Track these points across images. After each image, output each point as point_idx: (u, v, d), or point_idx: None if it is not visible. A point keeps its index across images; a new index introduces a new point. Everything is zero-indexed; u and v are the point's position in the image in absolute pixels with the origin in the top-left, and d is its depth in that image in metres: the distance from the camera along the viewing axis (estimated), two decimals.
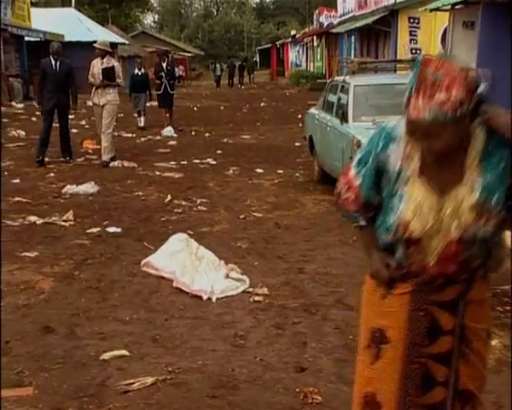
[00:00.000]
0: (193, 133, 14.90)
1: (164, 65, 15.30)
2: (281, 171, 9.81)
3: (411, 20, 22.96)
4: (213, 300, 4.41)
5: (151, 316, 4.13)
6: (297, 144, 13.03)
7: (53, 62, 9.95)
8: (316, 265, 5.22)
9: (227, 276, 4.76)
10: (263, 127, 16.42)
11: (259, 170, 9.89)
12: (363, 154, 2.05)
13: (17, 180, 8.77)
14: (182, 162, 10.58)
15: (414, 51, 23.04)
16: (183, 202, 7.51)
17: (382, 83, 7.75)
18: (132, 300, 4.42)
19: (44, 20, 30.72)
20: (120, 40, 38.86)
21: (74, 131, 15.11)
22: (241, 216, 6.87)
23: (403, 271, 1.98)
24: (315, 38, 46.55)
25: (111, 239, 5.94)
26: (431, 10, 15.70)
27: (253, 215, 6.95)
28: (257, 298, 4.43)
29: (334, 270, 5.07)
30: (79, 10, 40.13)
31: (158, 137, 13.86)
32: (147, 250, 5.57)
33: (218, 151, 11.90)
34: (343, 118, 7.30)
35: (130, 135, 14.06)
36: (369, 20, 23.90)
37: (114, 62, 10.38)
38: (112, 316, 4.12)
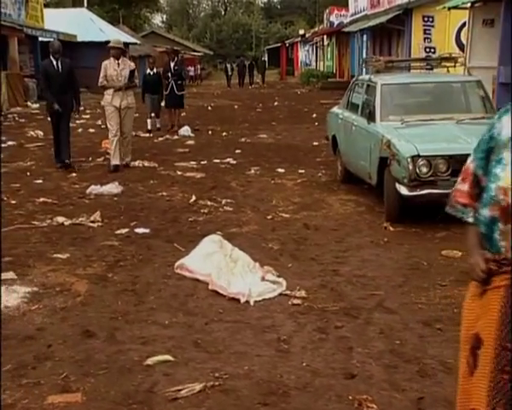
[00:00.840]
0: (210, 133, 14.84)
1: (172, 64, 14.70)
2: (302, 170, 9.73)
3: (425, 19, 22.80)
4: (251, 303, 4.34)
5: (190, 320, 4.07)
6: (315, 144, 12.97)
7: (54, 62, 9.44)
8: (350, 267, 5.15)
9: (263, 278, 4.69)
10: (279, 127, 16.33)
11: (281, 170, 9.81)
12: (482, 137, 2.11)
13: (40, 181, 8.75)
14: (202, 162, 10.52)
15: (428, 50, 22.89)
16: (209, 203, 7.46)
17: (409, 82, 7.66)
18: (169, 303, 4.36)
19: (57, 21, 30.78)
20: (132, 40, 38.91)
21: (91, 130, 15.20)
22: (269, 217, 6.81)
23: (500, 258, 1.93)
24: (325, 37, 46.44)
25: (140, 240, 5.89)
26: (449, 8, 15.59)
27: (281, 216, 6.88)
28: (295, 301, 4.37)
29: (370, 272, 4.99)
30: (90, 10, 40.19)
31: (175, 137, 13.80)
32: (177, 252, 5.52)
33: (237, 151, 11.84)
34: (370, 117, 7.21)
35: (147, 135, 14.01)
36: (383, 19, 23.76)
37: (131, 63, 10.01)
38: (151, 320, 4.06)
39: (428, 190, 6.10)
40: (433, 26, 22.75)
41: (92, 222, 6.46)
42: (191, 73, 50.40)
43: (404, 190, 6.19)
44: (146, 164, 10.23)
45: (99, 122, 17.00)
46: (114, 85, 9.36)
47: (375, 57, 9.55)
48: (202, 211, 7.07)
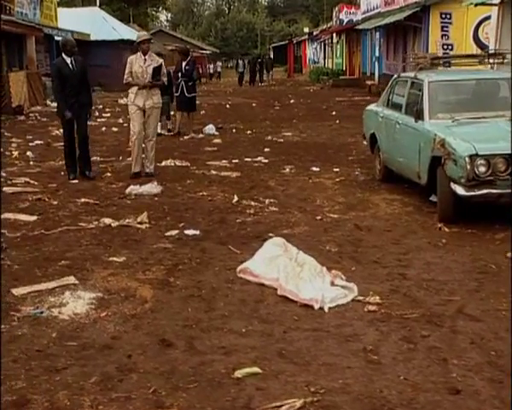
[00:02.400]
0: (233, 131, 14.69)
1: (183, 64, 13.43)
2: (337, 169, 9.57)
3: (443, 16, 22.58)
4: (326, 310, 4.19)
5: (267, 328, 3.92)
6: (343, 142, 12.82)
7: (68, 61, 8.37)
8: (416, 270, 4.98)
9: (332, 283, 4.54)
10: (300, 124, 16.16)
11: (315, 168, 9.65)
12: None
13: (75, 181, 8.61)
14: (234, 161, 10.37)
15: (446, 47, 22.68)
16: (252, 203, 7.30)
17: (457, 79, 7.47)
18: (240, 309, 4.21)
19: (70, 20, 30.65)
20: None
21: (114, 129, 15.07)
22: (318, 217, 6.65)
23: None
24: (334, 34, 46.18)
25: (193, 243, 5.74)
26: (476, 4, 15.36)
27: (329, 216, 6.72)
28: (371, 307, 4.21)
29: (439, 276, 4.82)
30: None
31: (200, 136, 13.64)
32: (234, 255, 5.38)
33: (266, 149, 11.68)
34: (418, 115, 7.04)
35: (172, 133, 13.86)
36: (400, 17, 23.52)
37: (159, 58, 9.03)
38: (226, 328, 3.91)
39: (487, 189, 5.93)
40: (450, 23, 22.54)
41: (140, 223, 6.31)
42: (219, 70, 50.60)
43: (460, 190, 6.02)
44: (178, 163, 10.09)
45: (120, 120, 16.90)
46: (138, 83, 8.61)
47: (418, 53, 9.32)
48: (248, 211, 6.92)
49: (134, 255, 5.32)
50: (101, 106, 21.09)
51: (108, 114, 18.69)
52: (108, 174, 9.05)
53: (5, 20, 18.17)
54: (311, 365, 3.43)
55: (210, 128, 14.22)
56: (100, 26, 34.40)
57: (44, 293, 4.40)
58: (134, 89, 8.65)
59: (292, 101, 24.19)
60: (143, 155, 8.91)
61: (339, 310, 4.20)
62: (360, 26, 31.98)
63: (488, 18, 21.87)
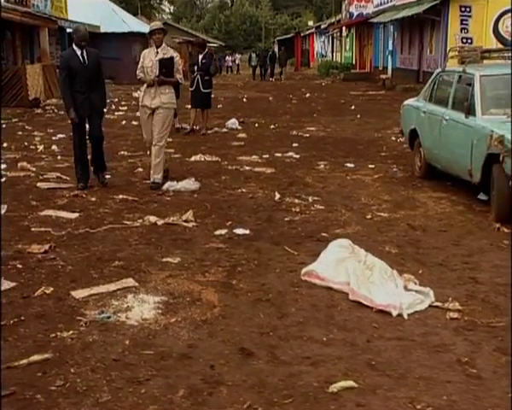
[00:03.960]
0: (256, 125, 14.45)
1: (200, 57, 12.50)
2: (372, 166, 9.34)
3: (463, 9, 22.30)
4: (405, 316, 3.97)
5: (348, 336, 3.70)
6: (370, 137, 12.58)
7: (79, 53, 7.23)
8: (487, 273, 4.76)
9: (406, 288, 4.32)
10: (322, 119, 15.93)
11: (349, 164, 9.43)
12: None
13: (107, 176, 8.38)
14: (264, 156, 10.14)
15: (465, 41, 22.39)
16: (296, 200, 7.08)
17: (509, 73, 7.22)
18: (314, 315, 3.99)
19: (79, 12, 30.39)
20: None
21: (135, 123, 14.76)
22: (368, 216, 6.42)
23: None
24: (344, 28, 45.81)
25: (245, 242, 5.52)
26: None
27: (379, 215, 6.49)
28: (452, 315, 3.99)
29: None
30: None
31: (224, 130, 13.42)
32: (291, 256, 5.16)
33: (294, 144, 11.44)
34: (468, 111, 6.81)
35: (194, 127, 13.62)
36: (418, 10, 23.21)
37: (173, 53, 7.81)
38: (305, 336, 3.69)
39: None
40: (470, 17, 22.25)
41: (186, 222, 6.09)
42: (229, 64, 49.94)
43: None
44: (208, 158, 9.87)
45: (138, 113, 16.62)
46: (146, 79, 7.52)
47: (466, 47, 9.07)
48: (293, 210, 6.69)
49: (188, 256, 5.10)
50: (116, 99, 20.88)
51: (125, 108, 18.48)
52: (140, 169, 8.82)
53: (22, 11, 17.94)
54: (407, 378, 3.22)
55: (233, 122, 13.99)
56: (109, 18, 34.15)
57: (106, 296, 4.20)
58: (143, 87, 7.68)
59: (307, 95, 23.92)
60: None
61: (419, 317, 3.98)
62: (375, 20, 31.58)
63: (509, 11, 21.66)
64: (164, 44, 7.69)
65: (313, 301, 4.24)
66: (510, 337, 3.67)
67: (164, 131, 7.58)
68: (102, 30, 31.45)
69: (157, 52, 7.54)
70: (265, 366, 3.34)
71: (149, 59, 7.55)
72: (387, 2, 32.37)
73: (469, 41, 22.27)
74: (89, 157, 7.74)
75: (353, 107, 18.87)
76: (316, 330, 3.77)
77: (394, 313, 4.00)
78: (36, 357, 3.31)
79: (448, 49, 9.65)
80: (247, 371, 3.27)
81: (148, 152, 8.02)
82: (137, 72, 7.72)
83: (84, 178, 7.52)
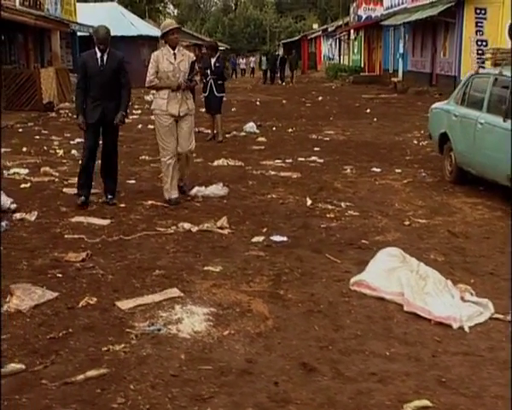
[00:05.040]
0: (274, 129, 14.31)
1: (212, 61, 11.91)
2: (398, 170, 9.19)
3: (478, 11, 22.11)
4: (466, 329, 3.81)
5: (412, 350, 3.54)
6: (391, 141, 12.42)
7: (98, 55, 6.63)
8: None
9: (462, 299, 4.17)
10: (339, 122, 15.77)
11: (376, 169, 9.27)
12: None
13: (132, 181, 8.26)
14: (287, 160, 9.99)
15: (480, 43, 22.22)
16: (329, 206, 6.92)
17: None
18: (371, 328, 3.83)
19: (88, 15, 30.34)
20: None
21: (151, 127, 14.64)
22: (406, 223, 6.27)
23: None
24: (352, 30, 45.68)
25: (285, 250, 5.37)
26: None
27: (417, 221, 6.33)
28: None
29: None
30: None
31: (242, 134, 13.29)
32: (335, 264, 5.01)
33: (316, 148, 11.30)
34: (506, 115, 6.65)
35: (209, 131, 13.48)
36: (432, 12, 23.03)
37: (190, 53, 7.28)
38: (366, 350, 3.54)
39: None
40: (485, 19, 22.06)
41: (220, 228, 5.95)
42: (242, 66, 49.64)
43: None
44: (231, 163, 9.73)
45: (153, 117, 16.51)
46: (171, 85, 6.73)
47: (501, 49, 8.91)
48: (328, 216, 6.54)
49: (229, 264, 4.96)
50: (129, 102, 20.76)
51: (139, 111, 18.34)
52: (163, 175, 8.67)
53: (36, 15, 17.86)
54: (484, 397, 3.06)
55: (250, 126, 13.84)
56: (118, 21, 34.00)
57: (152, 307, 4.05)
58: (164, 93, 6.76)
59: (320, 98, 23.75)
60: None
61: (481, 330, 3.82)
62: (386, 22, 31.40)
63: None
64: (179, 46, 6.96)
65: (367, 312, 4.08)
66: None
67: (192, 138, 7.13)
68: (112, 33, 31.31)
69: (174, 54, 6.78)
70: (331, 382, 3.18)
71: (168, 62, 6.74)
72: (398, 4, 32.21)
73: (484, 43, 22.11)
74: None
75: (368, 110, 18.71)
76: (376, 344, 3.61)
77: (455, 325, 3.84)
78: (92, 372, 3.16)
79: (477, 51, 9.42)
80: (313, 388, 3.12)
81: (164, 172, 7.07)
82: (150, 77, 6.75)
83: (85, 192, 6.77)
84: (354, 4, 46.86)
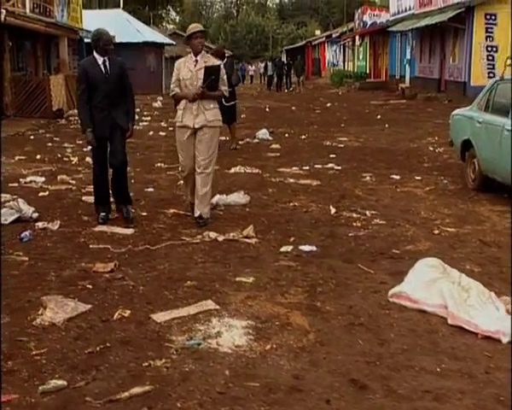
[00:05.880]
0: (286, 135, 14.22)
1: None
2: (418, 177, 9.08)
3: (488, 17, 22.05)
4: None
5: (463, 366, 3.40)
6: (406, 147, 12.30)
7: (100, 61, 6.13)
8: None
9: (507, 311, 4.04)
10: (351, 129, 15.67)
11: (395, 176, 9.16)
12: None
13: (151, 189, 8.15)
14: (304, 167, 9.88)
15: (490, 49, 22.14)
16: (354, 215, 6.80)
17: None
18: (417, 342, 3.70)
19: (94, 22, 30.26)
20: (168, 41, 38.49)
21: (162, 133, 14.60)
22: (435, 231, 6.14)
23: None
24: (357, 37, 45.65)
25: (315, 260, 5.24)
26: None
27: (446, 230, 6.21)
28: None
29: None
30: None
31: (255, 141, 13.19)
32: (368, 275, 4.89)
33: (331, 155, 11.19)
34: None
35: (223, 138, 13.35)
36: (443, 18, 22.94)
37: (215, 59, 6.62)
38: (416, 365, 3.40)
39: None
40: (495, 25, 21.99)
41: (247, 238, 5.83)
42: (251, 73, 49.40)
43: None
44: (248, 170, 9.62)
45: (163, 124, 16.49)
46: (187, 95, 6.14)
47: None
48: (354, 224, 6.42)
49: (260, 275, 4.83)
50: (138, 109, 20.68)
51: (148, 118, 18.28)
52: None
53: (47, 22, 17.81)
54: None
55: (263, 133, 13.76)
56: (124, 28, 34.09)
57: (189, 320, 3.92)
58: (182, 103, 6.21)
59: (328, 104, 23.68)
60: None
61: None
62: (394, 28, 31.33)
63: None
64: (203, 52, 6.31)
65: (410, 325, 3.95)
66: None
67: (211, 155, 6.25)
68: (117, 40, 31.29)
69: (196, 60, 6.19)
70: (385, 400, 3.06)
71: (187, 69, 6.18)
72: (405, 10, 32.18)
73: (494, 49, 22.04)
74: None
75: (379, 116, 18.63)
76: (425, 359, 3.48)
77: (504, 340, 3.71)
78: (137, 390, 3.04)
79: (506, 57, 9.32)
80: (367, 406, 3.00)
81: (183, 182, 6.78)
82: (172, 86, 6.30)
83: (104, 210, 6.36)
84: (359, 10, 46.87)
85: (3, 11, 14.10)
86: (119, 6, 42.59)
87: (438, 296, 4.17)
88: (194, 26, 6.38)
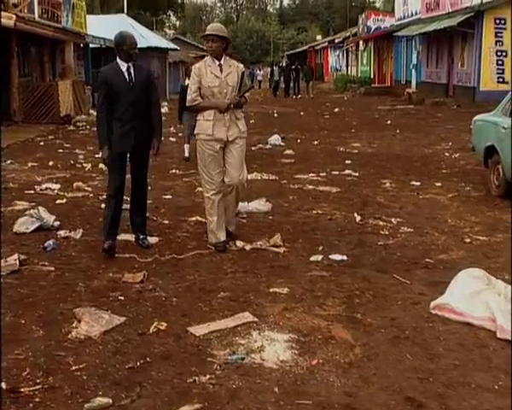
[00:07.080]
0: (298, 141, 14.11)
1: None
2: (438, 183, 8.95)
3: (497, 21, 21.98)
4: None
5: None
6: (422, 153, 12.17)
7: (124, 69, 5.42)
8: None
9: None
10: (362, 134, 15.56)
11: (415, 182, 9.04)
12: None
13: (169, 196, 8.02)
14: (321, 174, 9.76)
15: (500, 53, 22.05)
16: (380, 223, 6.67)
17: None
18: (468, 357, 3.55)
19: (98, 27, 30.21)
20: (172, 46, 38.45)
21: (172, 139, 14.47)
22: (467, 240, 6.00)
23: None
24: (361, 42, 45.61)
25: (348, 270, 5.10)
26: None
27: (477, 239, 6.06)
28: None
29: None
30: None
31: (268, 146, 13.08)
32: (405, 285, 4.74)
33: (347, 161, 11.07)
34: None
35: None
36: (452, 22, 22.85)
37: (238, 64, 5.76)
38: (471, 382, 3.24)
39: None
40: (504, 29, 21.90)
41: (275, 246, 5.69)
42: (259, 78, 49.14)
43: None
44: (264, 176, 9.50)
45: (172, 129, 16.33)
46: (217, 105, 5.50)
47: None
48: (382, 233, 6.28)
49: (294, 285, 4.69)
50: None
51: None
52: (200, 189, 8.44)
53: (55, 27, 17.73)
54: None
55: (275, 139, 13.65)
56: None
57: (228, 333, 3.78)
58: (208, 113, 5.53)
59: (336, 109, 23.58)
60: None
61: None
62: (400, 33, 31.25)
63: None
64: (225, 56, 5.61)
65: (457, 339, 3.80)
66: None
67: (244, 165, 5.83)
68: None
69: (220, 65, 5.54)
70: None
71: (213, 76, 5.51)
72: (411, 15, 32.12)
73: (504, 54, 21.95)
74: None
75: (389, 121, 18.53)
76: (480, 376, 3.33)
77: None
78: (186, 408, 2.89)
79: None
80: None
81: (209, 206, 5.68)
82: (193, 95, 5.54)
83: (112, 234, 5.48)
84: (363, 15, 46.83)
85: (14, 16, 13.99)
86: (121, 11, 42.63)
87: (484, 309, 4.02)
88: (210, 28, 5.67)
